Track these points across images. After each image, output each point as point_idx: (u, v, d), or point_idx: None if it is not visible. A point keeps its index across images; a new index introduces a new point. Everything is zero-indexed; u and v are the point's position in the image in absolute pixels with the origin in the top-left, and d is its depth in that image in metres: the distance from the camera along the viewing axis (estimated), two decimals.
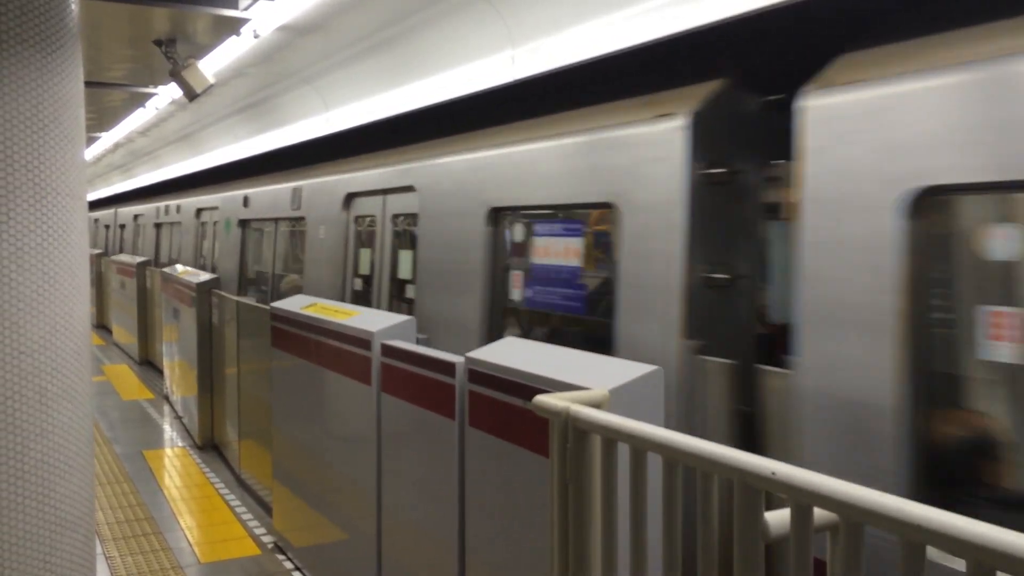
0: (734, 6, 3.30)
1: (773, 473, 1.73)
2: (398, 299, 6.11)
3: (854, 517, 1.59)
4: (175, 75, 6.94)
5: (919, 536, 1.46)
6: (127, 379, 12.08)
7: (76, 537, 3.25)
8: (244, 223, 9.76)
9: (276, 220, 8.95)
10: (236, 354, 7.28)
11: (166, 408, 10.17)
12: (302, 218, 7.83)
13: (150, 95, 9.61)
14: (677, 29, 3.63)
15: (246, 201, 9.61)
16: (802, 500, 1.69)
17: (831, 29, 3.18)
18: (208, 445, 8.38)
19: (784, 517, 1.76)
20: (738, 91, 3.49)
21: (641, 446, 2.13)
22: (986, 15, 2.54)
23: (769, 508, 1.84)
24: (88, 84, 8.46)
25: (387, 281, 6.27)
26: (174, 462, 7.89)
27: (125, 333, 14.28)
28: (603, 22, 4.27)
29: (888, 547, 2.22)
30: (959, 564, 1.68)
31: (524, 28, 4.76)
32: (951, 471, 2.48)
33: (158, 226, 14.80)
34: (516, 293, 4.51)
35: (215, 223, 11.02)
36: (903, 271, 2.48)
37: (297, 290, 7.71)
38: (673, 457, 2.02)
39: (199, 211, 11.89)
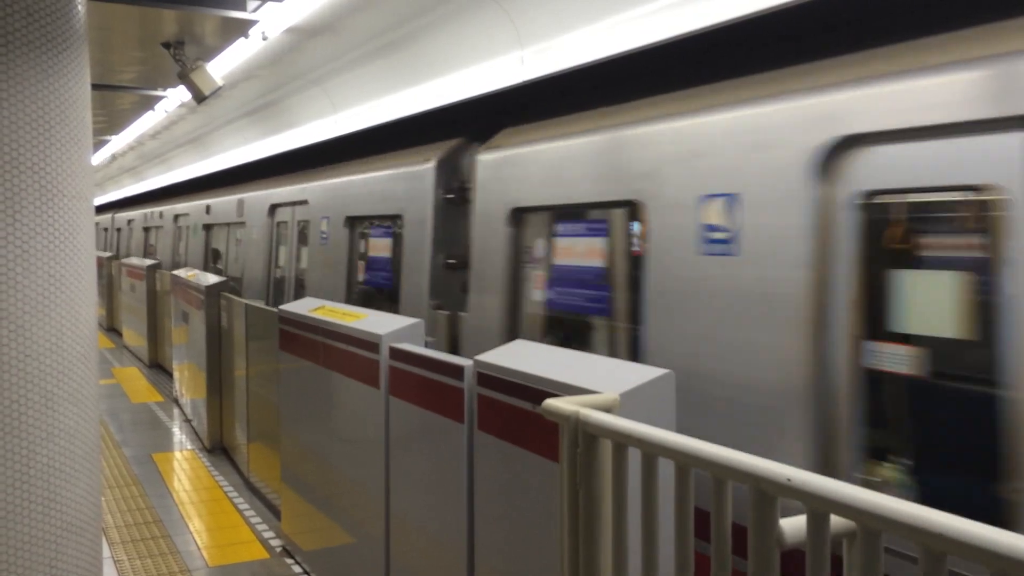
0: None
1: (788, 479, 1.69)
2: (301, 285, 8.14)
3: (872, 525, 1.55)
4: (183, 77, 6.93)
5: (940, 545, 1.42)
6: (137, 382, 12.10)
7: (82, 541, 3.23)
8: (207, 227, 12.01)
9: (229, 224, 10.99)
10: (245, 357, 7.28)
11: (175, 411, 10.17)
12: (244, 223, 9.95)
13: (159, 98, 9.63)
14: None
15: (208, 209, 11.78)
16: (818, 507, 1.65)
17: (508, 113, 5.40)
18: (217, 448, 8.37)
19: (800, 524, 1.72)
20: (465, 147, 5.51)
21: (652, 451, 2.09)
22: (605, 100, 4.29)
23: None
24: (98, 87, 8.49)
25: (294, 270, 8.39)
26: (183, 465, 7.89)
27: (135, 336, 14.32)
28: (609, 23, 4.23)
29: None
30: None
31: (533, 28, 4.73)
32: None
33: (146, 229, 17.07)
34: (364, 276, 6.76)
35: (188, 227, 13.22)
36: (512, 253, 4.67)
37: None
38: (685, 462, 1.99)
39: (176, 216, 14.09)
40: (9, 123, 2.98)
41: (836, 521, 1.68)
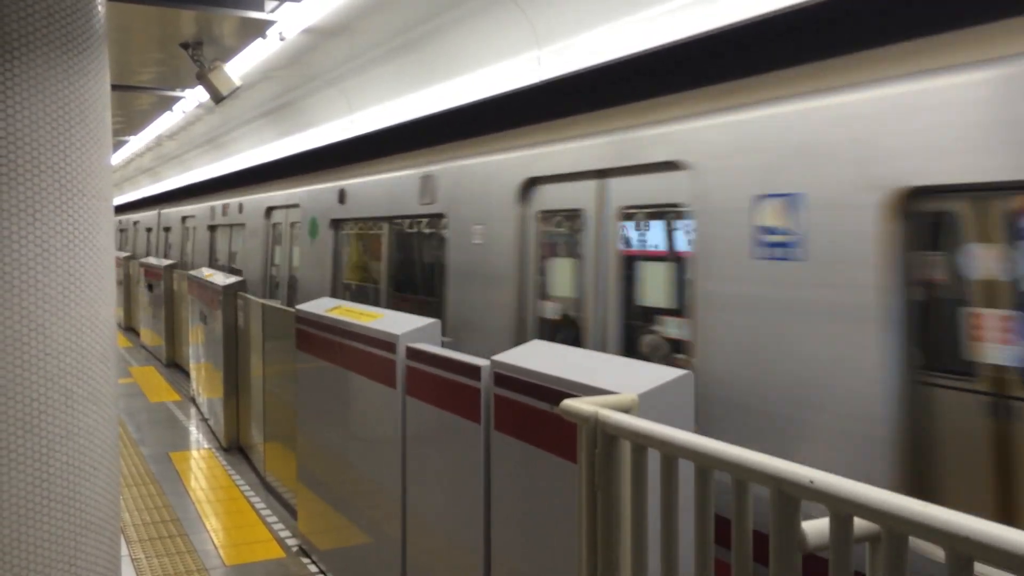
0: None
1: (811, 481, 1.66)
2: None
3: (897, 528, 1.52)
4: (201, 78, 6.97)
5: (967, 549, 1.39)
6: (154, 381, 12.17)
7: (101, 540, 3.24)
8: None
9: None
10: (261, 356, 7.30)
11: (192, 410, 10.22)
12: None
13: (177, 98, 9.68)
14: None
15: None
16: (842, 510, 1.62)
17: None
18: (233, 447, 8.41)
19: (823, 527, 1.70)
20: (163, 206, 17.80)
21: (672, 452, 2.08)
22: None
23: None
24: (116, 87, 8.54)
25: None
26: (200, 464, 7.92)
27: (152, 335, 14.41)
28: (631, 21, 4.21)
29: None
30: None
31: (550, 28, 4.72)
32: None
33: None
34: None
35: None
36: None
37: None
38: (706, 464, 1.97)
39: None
40: (29, 123, 3.00)
41: (859, 524, 1.65)
